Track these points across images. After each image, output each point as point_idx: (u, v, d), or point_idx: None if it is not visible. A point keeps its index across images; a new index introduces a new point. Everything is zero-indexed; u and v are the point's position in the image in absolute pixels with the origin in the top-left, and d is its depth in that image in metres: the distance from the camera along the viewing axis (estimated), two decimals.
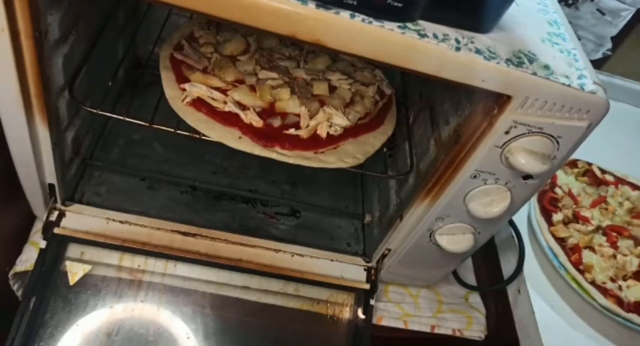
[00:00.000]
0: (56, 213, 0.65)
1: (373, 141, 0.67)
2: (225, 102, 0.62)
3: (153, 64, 0.70)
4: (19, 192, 0.62)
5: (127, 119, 0.61)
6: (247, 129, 0.61)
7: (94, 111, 0.61)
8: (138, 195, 0.73)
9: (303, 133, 0.63)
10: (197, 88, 0.62)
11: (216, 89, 0.63)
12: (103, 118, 0.69)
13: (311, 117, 0.64)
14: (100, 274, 0.67)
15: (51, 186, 0.62)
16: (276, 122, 0.63)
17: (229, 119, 0.62)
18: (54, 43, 0.51)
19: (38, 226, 0.69)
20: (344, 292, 0.73)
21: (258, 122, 0.62)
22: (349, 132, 0.66)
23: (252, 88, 0.65)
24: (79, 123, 0.65)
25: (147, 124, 0.61)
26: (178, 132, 0.61)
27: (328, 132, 0.64)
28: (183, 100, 0.62)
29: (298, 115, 0.64)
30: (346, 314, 0.73)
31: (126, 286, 0.67)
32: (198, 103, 0.62)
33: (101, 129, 0.78)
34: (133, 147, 0.79)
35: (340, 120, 0.65)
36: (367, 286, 0.72)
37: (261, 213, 0.78)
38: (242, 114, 0.62)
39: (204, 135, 0.61)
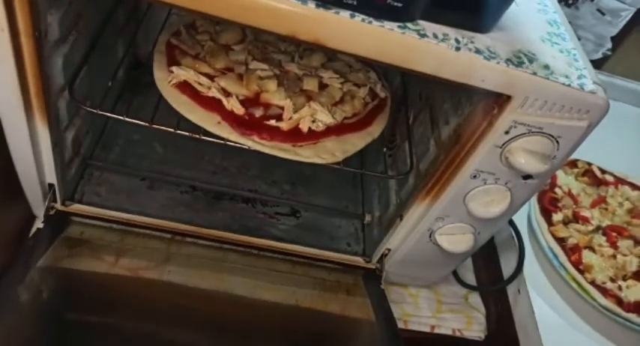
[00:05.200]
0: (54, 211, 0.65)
1: (356, 142, 0.66)
2: (210, 88, 0.62)
3: (153, 63, 0.70)
4: (19, 191, 0.62)
5: (127, 119, 0.61)
6: (227, 116, 0.61)
7: (94, 111, 0.60)
8: (138, 195, 0.73)
9: (283, 125, 0.62)
10: (184, 72, 0.62)
11: (205, 75, 0.63)
12: (103, 118, 0.69)
13: (295, 111, 0.64)
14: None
15: (51, 185, 0.62)
16: (258, 112, 0.62)
17: (211, 104, 0.61)
18: (54, 43, 0.51)
19: (38, 226, 0.69)
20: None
21: (239, 109, 0.62)
22: (333, 130, 0.65)
23: (240, 77, 0.65)
24: (79, 123, 0.65)
25: (147, 124, 0.61)
26: (178, 132, 0.61)
27: (310, 128, 0.64)
28: (169, 82, 0.62)
29: (282, 108, 0.64)
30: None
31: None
32: (184, 86, 0.62)
33: (101, 129, 0.78)
34: (133, 147, 0.79)
35: (324, 117, 0.64)
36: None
37: (261, 213, 0.78)
38: (224, 100, 0.62)
39: (204, 135, 0.61)
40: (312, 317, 0.71)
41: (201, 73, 0.63)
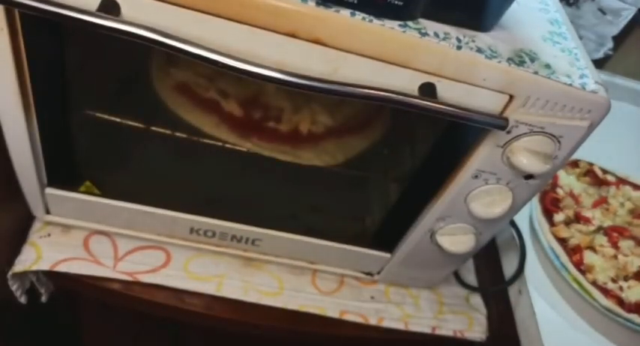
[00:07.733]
0: None
1: (356, 144, 0.66)
2: (208, 89, 0.62)
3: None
4: (18, 192, 0.62)
5: (126, 121, 0.61)
6: (226, 118, 0.61)
7: (93, 112, 0.60)
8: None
9: (282, 127, 0.62)
10: (184, 72, 0.62)
11: (204, 76, 0.63)
12: (101, 119, 0.68)
13: (295, 113, 0.63)
14: None
15: None
16: (257, 113, 0.62)
17: (210, 105, 0.61)
18: None
19: (37, 226, 0.69)
20: None
21: (238, 111, 0.61)
22: (333, 132, 0.65)
23: (239, 77, 0.65)
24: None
25: (145, 126, 0.61)
26: (176, 134, 0.61)
27: (310, 130, 0.63)
28: (168, 82, 0.61)
29: (281, 109, 0.63)
30: None
31: None
32: (182, 87, 0.61)
33: (100, 129, 0.78)
34: (132, 147, 0.78)
35: (325, 119, 0.64)
36: None
37: None
38: (223, 102, 0.61)
39: (202, 138, 0.60)
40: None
41: (199, 74, 0.63)
